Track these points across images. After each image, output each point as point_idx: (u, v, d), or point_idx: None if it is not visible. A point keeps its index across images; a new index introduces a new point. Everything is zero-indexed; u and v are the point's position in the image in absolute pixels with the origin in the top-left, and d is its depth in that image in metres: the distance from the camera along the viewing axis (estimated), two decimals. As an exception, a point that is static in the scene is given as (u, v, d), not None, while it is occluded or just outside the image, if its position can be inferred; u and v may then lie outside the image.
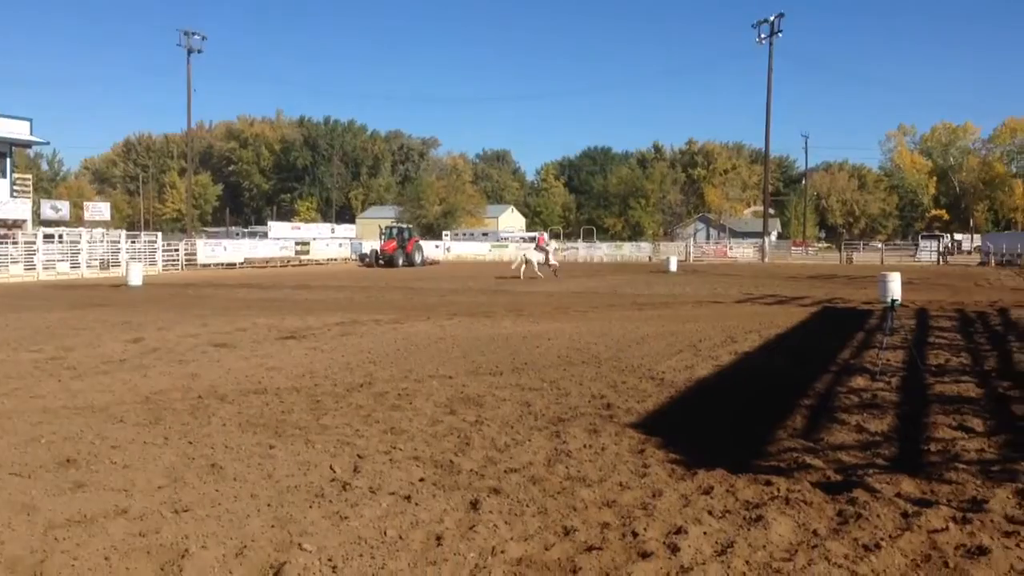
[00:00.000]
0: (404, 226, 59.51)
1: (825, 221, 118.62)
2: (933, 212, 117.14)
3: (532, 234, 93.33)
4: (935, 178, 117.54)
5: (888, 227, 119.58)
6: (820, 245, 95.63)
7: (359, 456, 6.54)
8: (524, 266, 36.22)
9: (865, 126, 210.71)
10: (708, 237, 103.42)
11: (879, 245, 76.61)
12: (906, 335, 13.82)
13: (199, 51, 62.32)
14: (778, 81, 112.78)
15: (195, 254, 48.37)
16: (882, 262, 56.12)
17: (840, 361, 11.52)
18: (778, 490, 5.57)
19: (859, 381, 9.78)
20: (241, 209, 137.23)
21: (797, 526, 4.92)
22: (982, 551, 4.47)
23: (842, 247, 67.70)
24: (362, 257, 56.53)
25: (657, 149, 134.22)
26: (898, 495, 5.44)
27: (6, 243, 37.98)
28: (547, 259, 37.61)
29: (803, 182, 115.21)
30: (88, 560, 4.42)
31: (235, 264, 49.75)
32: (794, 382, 9.77)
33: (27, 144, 51.20)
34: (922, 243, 67.59)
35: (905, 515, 5.04)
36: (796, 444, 6.91)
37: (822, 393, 9.18)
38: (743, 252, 68.02)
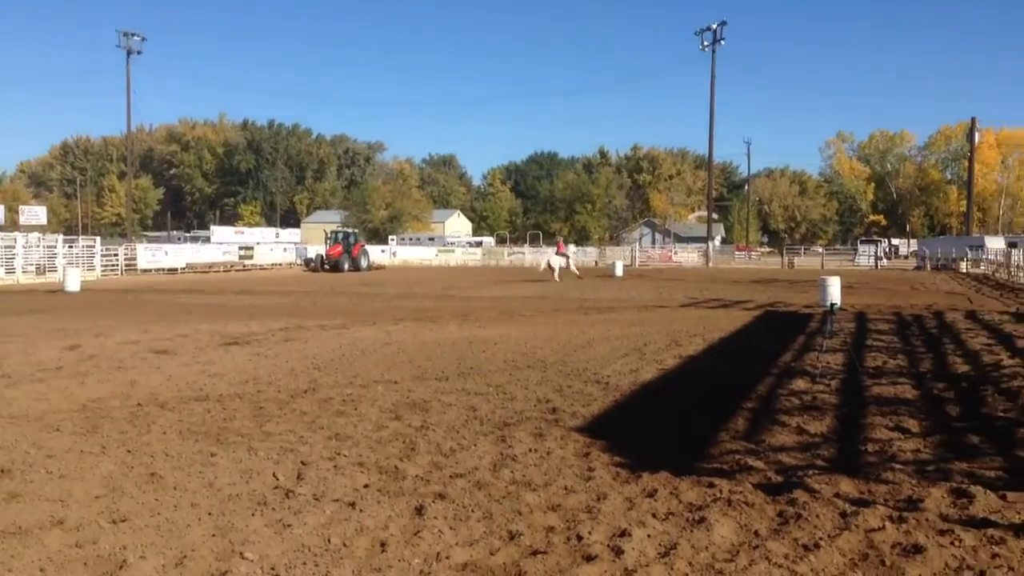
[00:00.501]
0: (350, 231, 59.03)
1: (767, 226, 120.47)
2: (871, 217, 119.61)
3: (478, 239, 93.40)
4: (873, 184, 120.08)
5: (828, 232, 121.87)
6: (763, 250, 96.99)
7: (303, 463, 6.47)
8: (555, 269, 39.20)
9: (805, 133, 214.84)
10: (653, 242, 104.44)
11: (820, 250, 78.08)
12: (845, 338, 14.09)
13: (139, 52, 61.41)
14: (721, 88, 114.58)
15: (135, 259, 47.43)
16: (822, 266, 57.19)
17: (782, 364, 11.71)
18: (720, 492, 5.64)
19: (800, 383, 9.96)
20: (183, 213, 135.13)
21: (739, 527, 4.99)
22: (918, 549, 4.57)
23: (784, 252, 68.83)
24: (307, 262, 55.96)
25: (603, 154, 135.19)
26: (837, 495, 5.55)
27: (-63, 248, 36.88)
28: (568, 264, 41.19)
29: (746, 188, 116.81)
30: (23, 572, 4.32)
31: (177, 269, 48.89)
32: (737, 385, 9.91)
33: (-41, 146, 49.86)
34: (861, 248, 69.13)
35: (843, 515, 5.14)
36: (738, 446, 7.01)
37: (764, 396, 9.33)
38: (688, 257, 68.78)
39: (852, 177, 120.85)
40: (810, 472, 6.14)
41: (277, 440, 7.22)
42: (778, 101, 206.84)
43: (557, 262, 39.61)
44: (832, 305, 12.68)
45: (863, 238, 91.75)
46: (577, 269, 42.52)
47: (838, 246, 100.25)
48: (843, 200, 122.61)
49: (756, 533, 4.89)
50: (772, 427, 7.69)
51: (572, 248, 56.64)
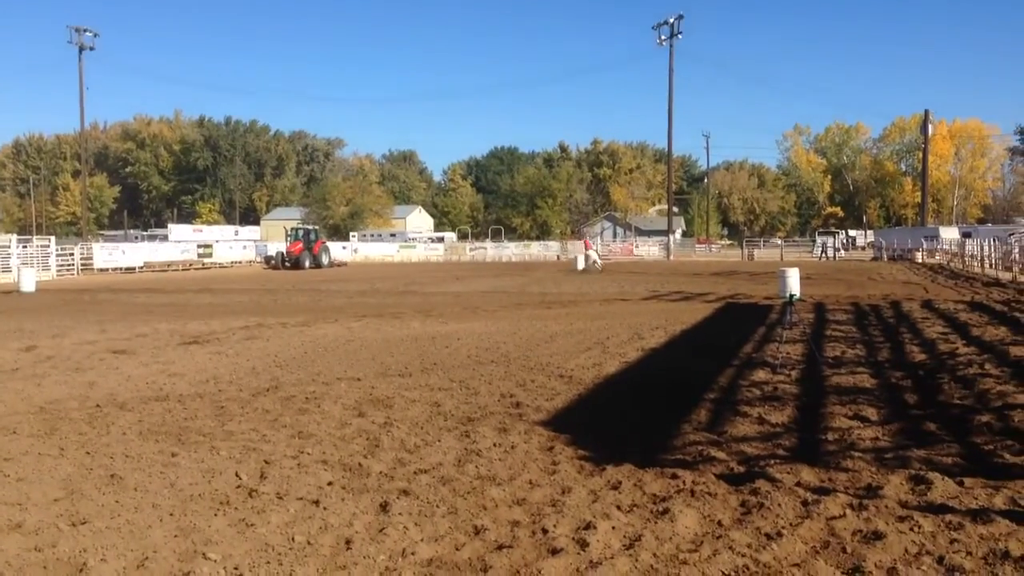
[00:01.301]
0: (310, 227, 58.59)
1: (727, 219, 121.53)
2: (829, 209, 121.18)
3: (440, 234, 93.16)
4: (830, 176, 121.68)
5: (787, 224, 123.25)
6: (723, 242, 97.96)
7: (266, 462, 6.42)
8: (593, 261, 42.54)
9: (763, 126, 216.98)
10: (615, 235, 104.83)
11: (779, 242, 78.92)
12: (804, 329, 14.25)
13: (91, 48, 60.44)
14: (679, 82, 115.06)
15: (91, 258, 46.71)
16: (782, 258, 57.83)
17: (743, 355, 11.83)
18: (684, 483, 5.69)
19: (760, 374, 10.07)
20: (140, 212, 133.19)
21: (702, 517, 5.04)
22: (877, 536, 4.65)
23: (744, 244, 69.48)
24: (268, 259, 55.45)
25: (563, 149, 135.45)
26: (798, 484, 5.62)
27: None
28: (595, 258, 43.91)
29: (705, 181, 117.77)
30: (-22, 578, 4.24)
31: (134, 268, 48.21)
32: (699, 377, 9.99)
33: (-93, 144, 48.76)
34: (819, 239, 69.96)
35: (805, 503, 5.22)
36: (701, 437, 7.07)
37: (725, 387, 9.43)
38: (649, 250, 69.24)
39: (809, 170, 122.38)
40: (772, 462, 6.21)
41: (239, 439, 7.15)
42: (736, 94, 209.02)
43: (592, 256, 43.33)
44: (791, 296, 12.82)
45: (821, 229, 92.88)
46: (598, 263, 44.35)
47: (797, 238, 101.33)
48: (801, 192, 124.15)
49: (719, 523, 4.94)
50: (734, 418, 7.77)
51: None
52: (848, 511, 5.06)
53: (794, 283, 19.81)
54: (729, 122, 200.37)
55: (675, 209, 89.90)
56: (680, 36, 64.04)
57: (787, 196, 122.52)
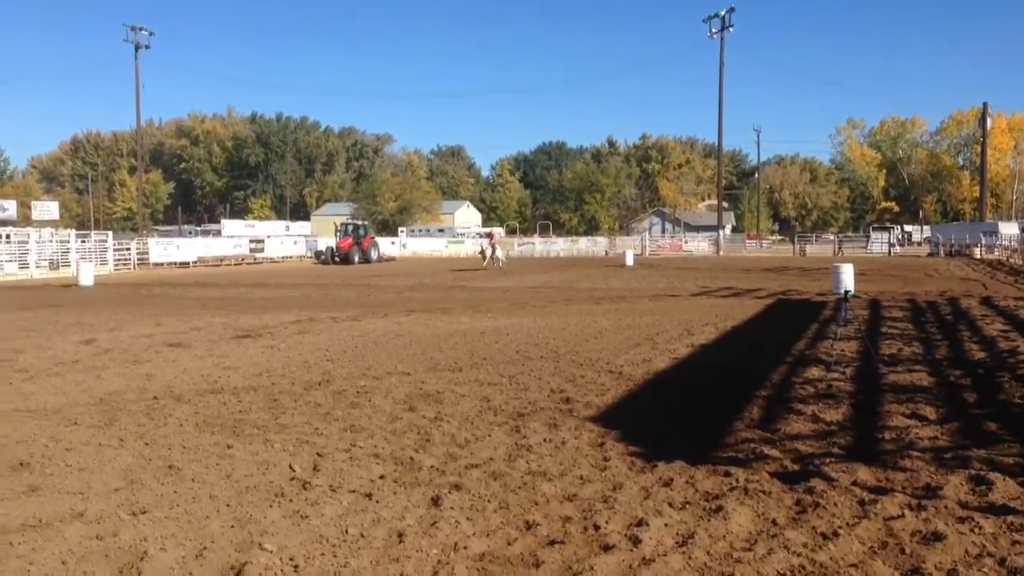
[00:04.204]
0: (360, 223, 59.08)
1: (778, 214, 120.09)
2: (883, 204, 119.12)
3: (488, 230, 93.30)
4: (885, 171, 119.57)
5: (840, 219, 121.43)
6: (774, 238, 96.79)
7: (319, 454, 6.49)
8: (500, 259, 41.77)
9: (816, 120, 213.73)
10: (663, 231, 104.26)
11: (832, 237, 77.73)
12: (859, 326, 14.05)
13: (147, 47, 61.43)
14: (730, 75, 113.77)
15: (147, 253, 47.63)
16: (834, 254, 56.98)
17: (795, 352, 11.67)
18: (737, 481, 5.63)
19: (814, 372, 9.93)
20: (193, 207, 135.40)
21: (756, 516, 4.98)
22: (937, 537, 4.56)
23: (795, 240, 68.60)
24: (318, 255, 56.07)
25: (611, 144, 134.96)
26: (854, 483, 5.53)
27: (-49, 244, 37.11)
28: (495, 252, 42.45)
29: (756, 176, 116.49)
30: (44, 565, 4.34)
31: (188, 263, 49.06)
32: (751, 373, 9.89)
33: (-29, 142, 50.04)
34: (873, 235, 68.79)
35: (862, 503, 5.13)
36: (754, 435, 6.99)
37: (778, 384, 9.30)
38: (698, 246, 68.65)
39: (863, 164, 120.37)
40: (827, 460, 6.12)
41: (292, 432, 7.24)
42: (788, 88, 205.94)
43: (496, 253, 41.92)
44: (846, 292, 12.61)
45: (875, 225, 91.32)
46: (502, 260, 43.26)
47: (850, 233, 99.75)
48: (854, 187, 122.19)
49: (774, 522, 4.88)
50: (787, 415, 7.67)
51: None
52: (906, 511, 4.97)
53: (848, 279, 19.52)
54: (780, 116, 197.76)
55: (725, 204, 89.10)
56: (731, 29, 63.41)
57: (840, 191, 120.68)
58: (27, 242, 40.31)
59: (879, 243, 62.71)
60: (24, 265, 39.14)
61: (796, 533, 4.67)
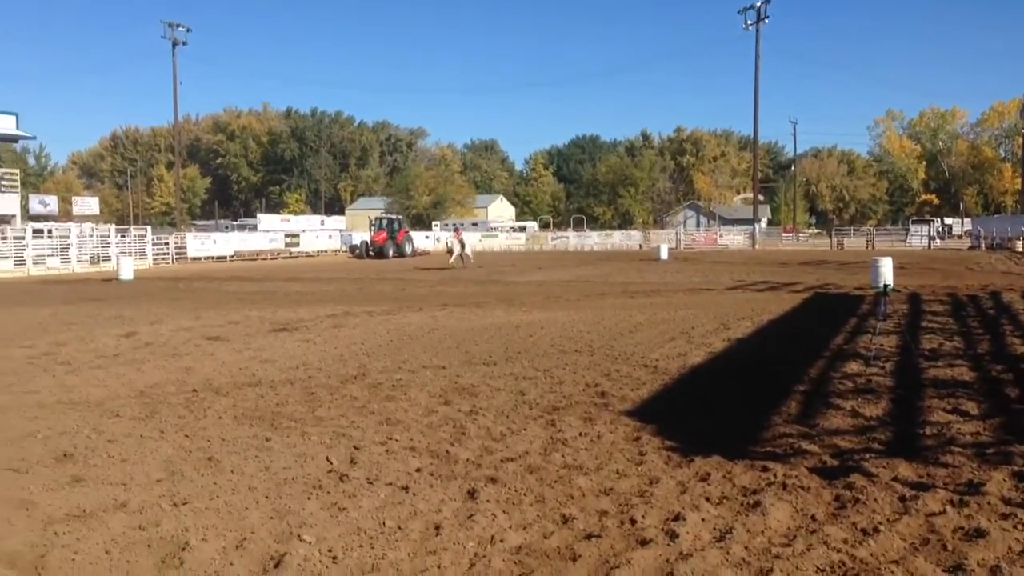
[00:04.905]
0: (394, 217, 59.35)
1: (815, 207, 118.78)
2: (923, 197, 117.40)
3: (522, 224, 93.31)
4: (924, 163, 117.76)
5: (878, 212, 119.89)
6: (810, 231, 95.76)
7: (355, 447, 6.53)
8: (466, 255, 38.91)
9: (853, 112, 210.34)
10: (698, 224, 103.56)
11: (870, 230, 76.80)
12: (899, 320, 13.89)
13: (184, 43, 62.07)
14: (766, 67, 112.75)
15: (185, 248, 48.22)
16: (873, 247, 56.31)
17: (833, 347, 11.55)
18: (775, 476, 5.59)
19: (853, 366, 9.82)
20: (230, 202, 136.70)
21: (795, 511, 4.95)
22: (980, 533, 4.49)
23: (832, 233, 67.84)
24: (352, 249, 56.40)
25: (645, 137, 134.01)
26: (895, 479, 5.47)
27: (-6, 238, 37.80)
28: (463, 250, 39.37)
29: (792, 168, 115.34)
30: (88, 554, 4.41)
31: (225, 257, 49.61)
32: (788, 368, 9.80)
33: (13, 139, 51.09)
34: (913, 228, 67.85)
35: (903, 499, 5.07)
36: (791, 430, 6.93)
37: (816, 379, 9.22)
38: (733, 239, 68.18)
39: (902, 156, 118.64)
40: (867, 456, 6.06)
41: (329, 425, 7.29)
42: (825, 79, 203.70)
43: (459, 248, 38.95)
44: (885, 286, 12.47)
45: (915, 218, 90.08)
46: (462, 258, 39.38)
47: (888, 226, 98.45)
48: (893, 179, 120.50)
49: (813, 517, 4.83)
50: (826, 410, 7.59)
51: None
52: (948, 508, 4.91)
53: (887, 272, 19.26)
54: (817, 108, 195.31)
55: (760, 197, 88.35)
56: (767, 20, 62.83)
57: (878, 183, 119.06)
58: (68, 237, 40.97)
59: (918, 236, 61.90)
60: (66, 260, 39.78)
61: (836, 529, 4.63)
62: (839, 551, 4.33)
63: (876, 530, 4.58)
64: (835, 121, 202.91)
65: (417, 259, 48.42)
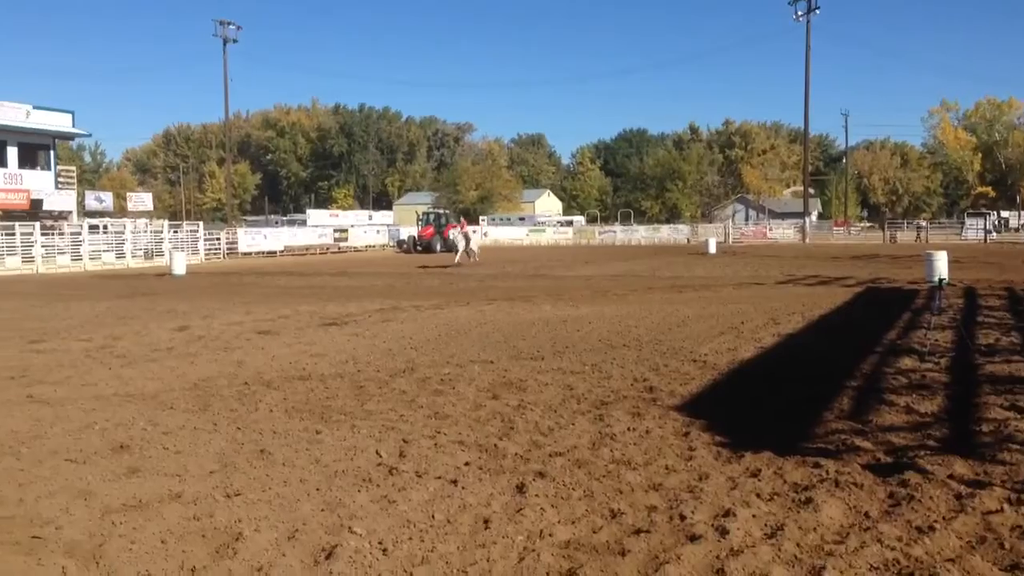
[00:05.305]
0: (441, 212, 59.59)
1: (867, 200, 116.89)
2: (979, 189, 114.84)
3: (569, 218, 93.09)
4: (980, 155, 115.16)
5: (932, 205, 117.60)
6: (862, 225, 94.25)
7: (404, 441, 6.58)
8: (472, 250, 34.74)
9: (907, 103, 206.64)
10: (747, 218, 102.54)
11: (923, 224, 75.33)
12: (954, 315, 13.61)
13: (234, 41, 62.81)
14: (816, 58, 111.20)
15: (236, 243, 48.86)
16: (926, 240, 55.25)
17: (887, 342, 11.36)
18: (827, 472, 5.52)
19: (907, 362, 9.65)
20: (279, 197, 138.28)
21: (848, 508, 4.88)
22: (1039, 532, 4.39)
23: (885, 226, 66.67)
24: (400, 243, 56.70)
25: (693, 130, 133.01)
26: (951, 477, 5.37)
27: (52, 234, 38.67)
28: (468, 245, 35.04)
29: (844, 161, 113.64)
30: (145, 543, 4.51)
31: (275, 252, 50.18)
32: (839, 363, 9.66)
33: (70, 136, 52.23)
34: (968, 221, 66.39)
35: (959, 497, 4.98)
36: (844, 426, 6.83)
37: (869, 374, 9.08)
38: (783, 233, 67.34)
39: (957, 147, 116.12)
40: (921, 453, 5.95)
41: (378, 418, 7.35)
42: (878, 70, 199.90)
43: (462, 243, 34.61)
44: (940, 280, 12.22)
45: (970, 211, 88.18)
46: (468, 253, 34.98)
47: (943, 219, 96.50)
48: (948, 172, 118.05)
49: (867, 515, 4.77)
50: (879, 406, 7.47)
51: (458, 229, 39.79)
52: (1006, 506, 4.81)
53: (942, 266, 18.86)
54: (870, 99, 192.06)
55: (811, 190, 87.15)
56: (818, 11, 61.77)
57: (932, 176, 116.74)
58: (123, 232, 41.80)
59: (974, 229, 60.49)
60: (121, 255, 40.58)
61: (890, 527, 4.56)
62: (893, 549, 4.26)
63: (931, 528, 4.51)
64: (888, 113, 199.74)
65: (424, 257, 44.76)
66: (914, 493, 5.04)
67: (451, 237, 35.02)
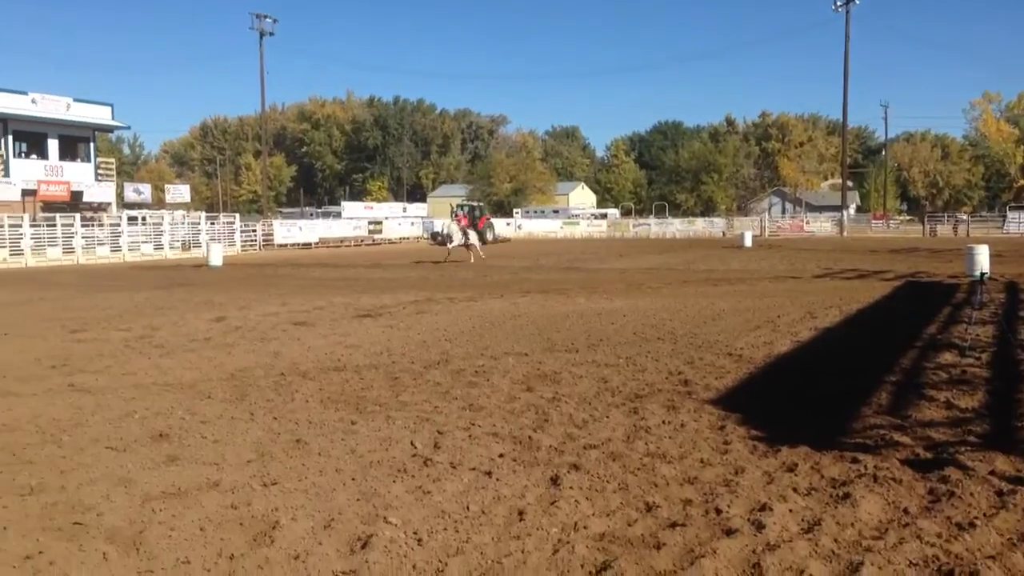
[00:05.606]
0: (475, 204, 59.63)
1: (906, 193, 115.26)
2: (1021, 182, 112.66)
3: (603, 211, 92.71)
4: (1023, 147, 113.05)
5: (974, 199, 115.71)
6: (901, 218, 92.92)
7: (439, 432, 6.60)
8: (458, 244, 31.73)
9: (948, 94, 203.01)
10: (783, 211, 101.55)
11: (964, 217, 74.09)
12: (996, 309, 13.39)
13: (271, 34, 63.14)
14: (855, 49, 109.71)
15: (272, 235, 49.29)
16: (966, 234, 54.42)
17: (926, 336, 11.21)
18: (865, 467, 5.46)
19: (947, 357, 9.52)
20: (314, 190, 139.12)
21: (887, 504, 4.82)
22: (1083, 531, 4.31)
23: (925, 219, 65.73)
24: (434, 236, 56.81)
25: (729, 122, 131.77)
26: (992, 473, 5.29)
27: (92, 225, 39.24)
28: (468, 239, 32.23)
29: (883, 153, 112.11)
30: (184, 531, 4.56)
31: (310, 244, 50.56)
32: (878, 358, 9.54)
33: (109, 129, 52.87)
34: (1010, 215, 65.21)
35: (1000, 493, 4.90)
36: (882, 421, 6.75)
37: (908, 369, 8.96)
38: (820, 226, 66.64)
39: (999, 140, 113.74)
40: (962, 448, 5.87)
41: (413, 410, 7.38)
42: (918, 60, 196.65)
43: (459, 238, 31.57)
44: (981, 274, 12.04)
45: (1012, 204, 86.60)
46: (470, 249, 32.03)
47: (984, 213, 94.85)
48: (990, 164, 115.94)
49: (906, 511, 4.71)
50: (918, 401, 7.37)
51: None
52: (1050, 504, 4.72)
53: (984, 260, 18.59)
54: (910, 91, 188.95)
55: (849, 183, 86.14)
56: (857, 2, 60.99)
57: (974, 168, 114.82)
58: (161, 224, 42.34)
59: (1016, 223, 59.46)
60: (159, 246, 41.11)
61: (929, 523, 4.50)
62: (933, 545, 4.20)
63: (972, 525, 4.44)
64: (928, 104, 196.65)
65: (421, 251, 42.39)
66: (954, 489, 4.97)
67: (445, 229, 32.00)
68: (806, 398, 7.75)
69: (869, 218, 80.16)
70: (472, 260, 30.99)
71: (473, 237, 32.01)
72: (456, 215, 38.84)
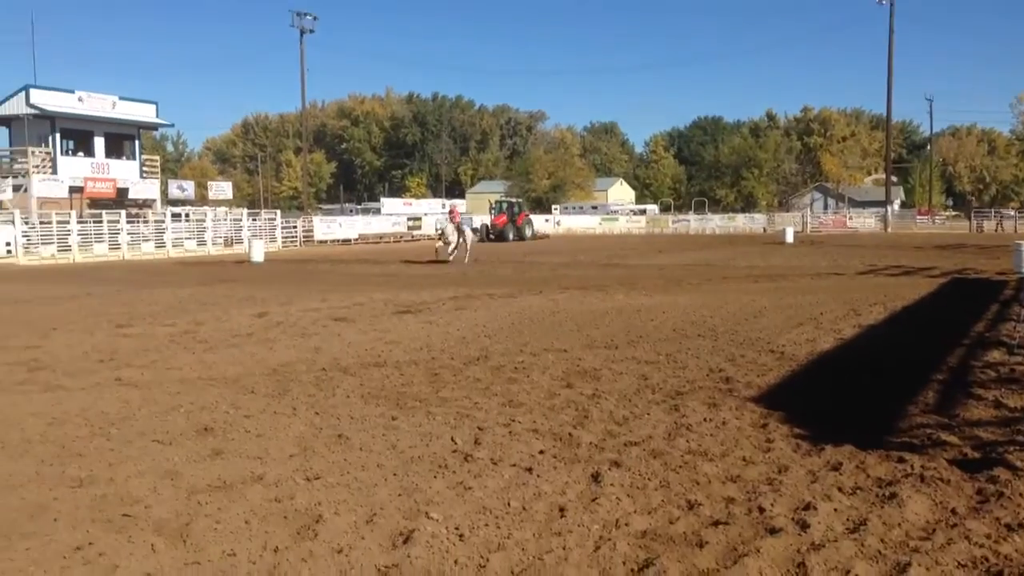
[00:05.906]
0: (514, 200, 59.67)
1: (952, 188, 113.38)
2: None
3: (642, 207, 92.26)
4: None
5: (1021, 194, 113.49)
6: (947, 214, 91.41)
7: (479, 428, 6.61)
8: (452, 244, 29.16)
9: (996, 88, 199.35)
10: (826, 207, 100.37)
11: (1012, 213, 72.68)
12: (1044, 307, 13.12)
13: (311, 31, 63.59)
14: (900, 42, 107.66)
15: (312, 231, 49.63)
16: (1015, 230, 53.38)
17: (973, 334, 11.02)
18: (912, 467, 5.38)
19: (995, 355, 9.35)
20: (354, 186, 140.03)
21: (934, 504, 4.75)
22: None
23: (971, 215, 64.61)
24: (472, 232, 56.95)
25: (770, 117, 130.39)
26: (1043, 474, 5.19)
27: (137, 222, 39.85)
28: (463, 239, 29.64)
29: (928, 148, 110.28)
30: (230, 523, 4.62)
31: (350, 240, 50.85)
32: (924, 356, 9.40)
33: (154, 127, 53.75)
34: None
35: (1051, 495, 4.80)
36: (929, 420, 6.65)
37: (955, 367, 8.82)
38: (864, 222, 65.72)
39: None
40: (1011, 448, 5.76)
41: (453, 406, 7.40)
42: (964, 54, 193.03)
43: (454, 238, 29.00)
44: (1030, 271, 11.80)
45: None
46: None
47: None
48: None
49: (953, 511, 4.63)
50: (966, 400, 7.25)
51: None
52: (1103, 506, 4.62)
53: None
54: (956, 84, 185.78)
55: (893, 178, 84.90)
56: (901, -7, 59.99)
57: (1021, 164, 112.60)
58: (204, 220, 42.87)
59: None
60: (202, 242, 41.63)
61: (978, 523, 4.42)
62: (982, 546, 4.13)
63: (1022, 526, 4.36)
64: (975, 98, 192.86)
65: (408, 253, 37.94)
66: (1003, 490, 4.88)
67: (443, 230, 29.66)
68: (850, 396, 7.66)
69: (914, 214, 78.86)
70: (452, 257, 28.92)
71: (468, 236, 30.13)
72: (451, 211, 36.51)
